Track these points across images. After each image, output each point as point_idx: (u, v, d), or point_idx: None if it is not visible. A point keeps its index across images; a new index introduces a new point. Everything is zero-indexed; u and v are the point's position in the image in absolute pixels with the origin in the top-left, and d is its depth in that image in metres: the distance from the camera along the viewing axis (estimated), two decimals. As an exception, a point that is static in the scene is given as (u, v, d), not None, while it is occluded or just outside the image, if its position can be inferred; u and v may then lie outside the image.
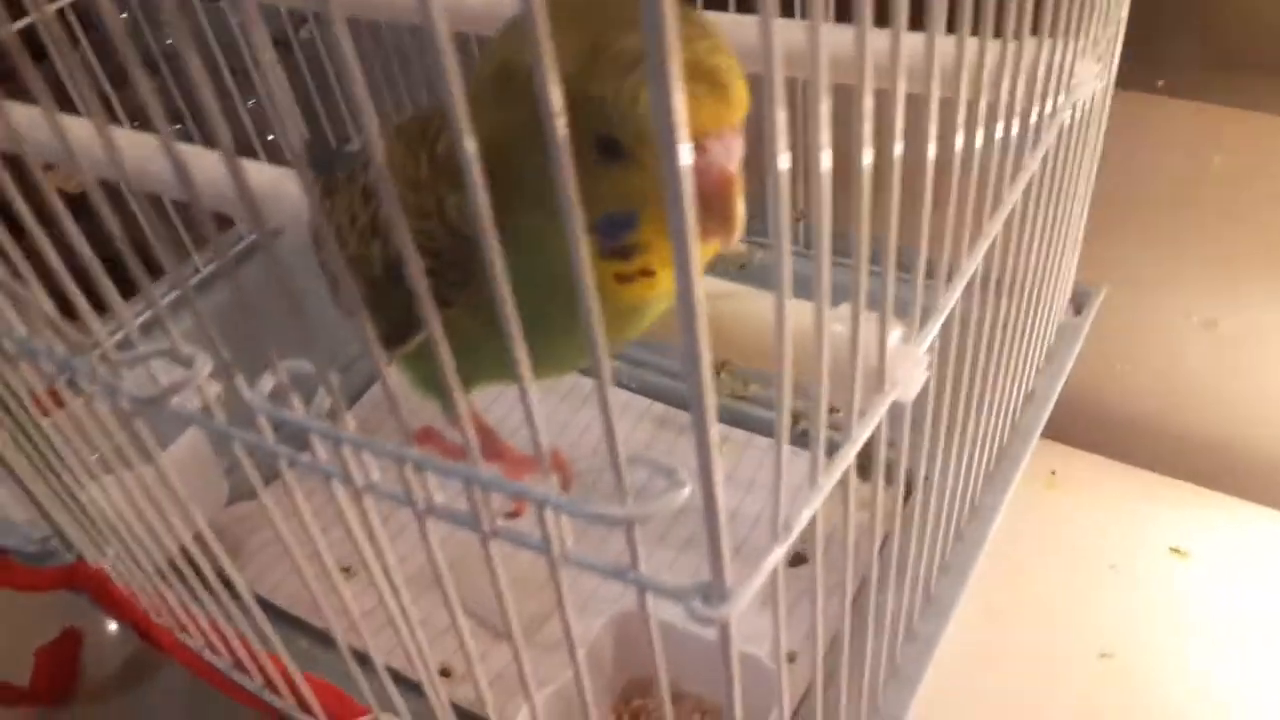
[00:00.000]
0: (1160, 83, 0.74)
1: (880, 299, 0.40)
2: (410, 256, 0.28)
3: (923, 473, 0.52)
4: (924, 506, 0.55)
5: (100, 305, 0.43)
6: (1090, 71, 0.55)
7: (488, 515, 0.37)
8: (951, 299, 0.45)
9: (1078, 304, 0.78)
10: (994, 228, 0.48)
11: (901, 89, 0.33)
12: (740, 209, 0.33)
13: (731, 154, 0.32)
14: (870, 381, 0.40)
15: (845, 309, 0.43)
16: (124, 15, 1.08)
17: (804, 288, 0.40)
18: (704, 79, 0.31)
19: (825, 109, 0.29)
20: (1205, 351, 0.86)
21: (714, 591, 0.33)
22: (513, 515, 0.37)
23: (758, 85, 0.28)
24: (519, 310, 0.29)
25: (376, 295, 0.39)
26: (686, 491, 0.34)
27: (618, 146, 0.32)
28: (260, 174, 0.60)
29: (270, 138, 0.94)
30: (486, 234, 0.28)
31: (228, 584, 0.58)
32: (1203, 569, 0.82)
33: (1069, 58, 0.52)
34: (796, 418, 0.92)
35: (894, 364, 0.41)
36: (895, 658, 0.59)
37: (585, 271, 0.26)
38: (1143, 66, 0.72)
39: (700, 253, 0.35)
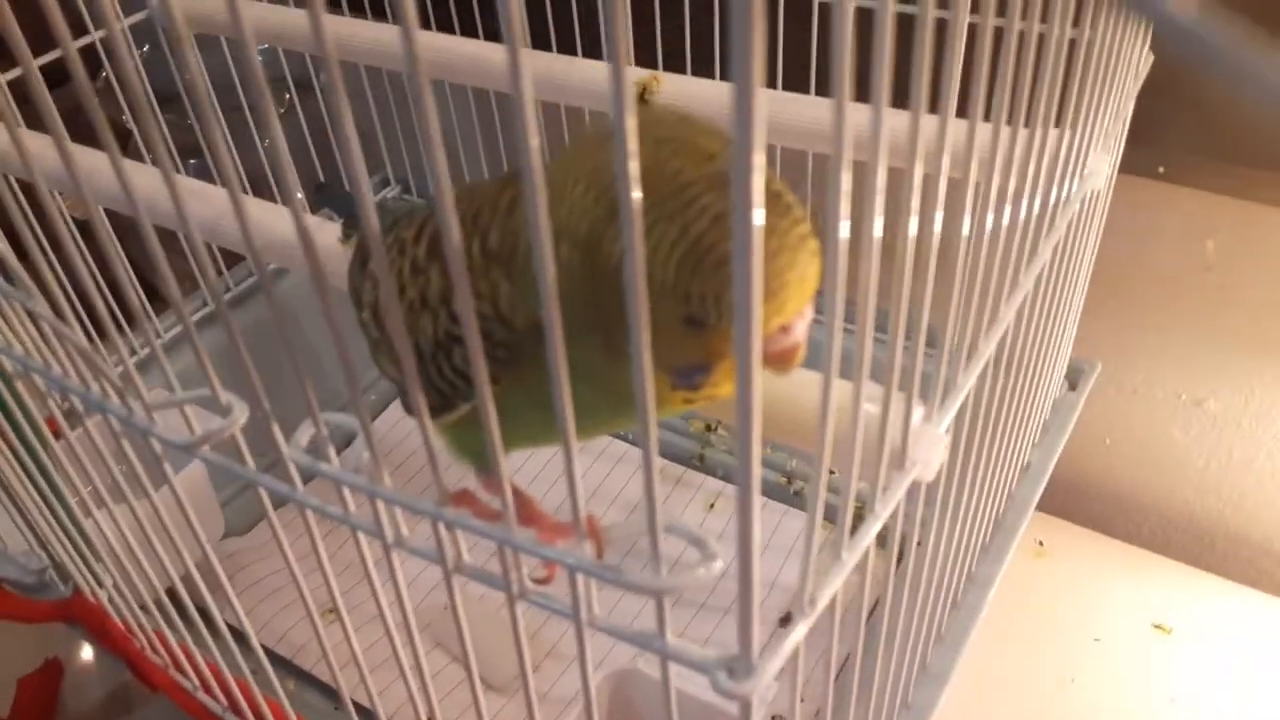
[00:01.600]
0: (1161, 169, 0.76)
1: (902, 378, 0.41)
2: (473, 345, 0.29)
3: (915, 539, 0.53)
4: (919, 576, 0.56)
5: (113, 329, 0.44)
6: (1102, 162, 0.57)
7: (517, 577, 0.37)
8: (970, 379, 0.46)
9: (1072, 379, 0.80)
10: (1010, 310, 0.49)
11: (944, 170, 0.35)
12: (799, 360, 0.37)
13: (804, 329, 0.36)
14: (892, 460, 0.41)
15: (870, 388, 0.44)
16: (145, 48, 1.10)
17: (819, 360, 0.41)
18: (791, 274, 0.34)
19: (880, 183, 0.30)
20: (1193, 430, 0.88)
21: (740, 665, 0.34)
22: (543, 581, 0.38)
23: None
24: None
25: (420, 365, 0.40)
26: (719, 565, 0.34)
27: (705, 324, 0.35)
28: (269, 214, 0.61)
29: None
30: (554, 338, 0.29)
31: (212, 620, 0.58)
32: (1185, 646, 0.83)
33: (1083, 148, 0.54)
34: (789, 477, 0.93)
35: (915, 443, 0.42)
36: (891, 725, 0.59)
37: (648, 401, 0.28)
38: (1145, 152, 0.74)
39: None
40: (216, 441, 0.42)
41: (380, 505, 0.39)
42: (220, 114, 0.81)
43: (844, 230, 0.29)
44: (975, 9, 0.36)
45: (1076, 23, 0.47)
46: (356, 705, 0.56)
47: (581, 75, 0.72)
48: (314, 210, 0.86)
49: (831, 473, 0.47)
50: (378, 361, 0.46)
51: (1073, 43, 0.49)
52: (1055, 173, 0.51)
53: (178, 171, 0.77)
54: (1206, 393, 0.86)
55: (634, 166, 0.23)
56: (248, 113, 0.88)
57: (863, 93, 0.27)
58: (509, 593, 0.37)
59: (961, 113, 0.36)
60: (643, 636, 0.36)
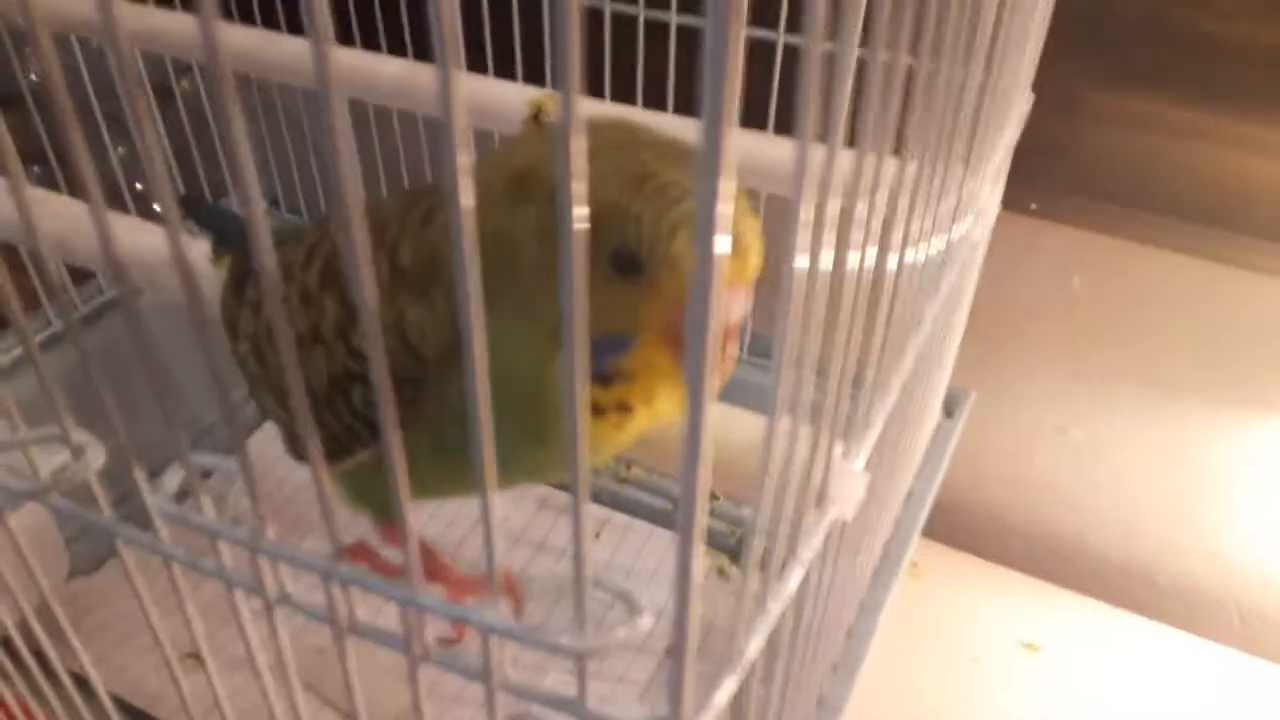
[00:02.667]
0: (1033, 205, 0.78)
1: (820, 414, 0.39)
2: (382, 381, 0.26)
3: (828, 578, 0.52)
4: (824, 613, 0.55)
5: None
6: (995, 194, 0.58)
7: (420, 640, 0.34)
8: (884, 413, 0.45)
9: (949, 407, 0.81)
10: (914, 346, 0.49)
11: (860, 207, 0.34)
12: (733, 355, 0.33)
13: (736, 309, 0.32)
14: (810, 500, 0.39)
15: (786, 425, 0.42)
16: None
17: (739, 395, 0.39)
18: (748, 229, 0.32)
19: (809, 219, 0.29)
20: (1058, 455, 0.91)
21: (668, 729, 0.31)
22: (451, 642, 0.35)
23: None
24: (464, 425, 0.28)
25: (313, 406, 0.36)
26: (646, 623, 0.32)
27: (637, 265, 0.31)
28: (129, 229, 0.56)
29: (139, 187, 0.88)
30: (473, 348, 0.26)
31: (50, 669, 0.52)
32: (1053, 664, 0.85)
33: (982, 182, 0.54)
34: (676, 503, 0.91)
35: (834, 481, 0.40)
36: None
37: (577, 395, 0.25)
38: (1017, 189, 0.76)
39: (671, 400, 0.34)
40: (67, 487, 0.37)
41: (263, 561, 0.35)
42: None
43: (800, 263, 0.27)
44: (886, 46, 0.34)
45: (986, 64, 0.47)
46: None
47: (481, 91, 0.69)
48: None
49: (715, 498, 0.45)
50: (258, 399, 0.41)
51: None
52: (956, 210, 0.51)
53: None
54: (1071, 420, 0.89)
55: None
56: (99, 116, 0.81)
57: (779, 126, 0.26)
58: (411, 656, 0.34)
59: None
60: (561, 700, 0.33)
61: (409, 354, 0.34)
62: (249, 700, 0.46)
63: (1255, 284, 0.77)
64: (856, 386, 0.42)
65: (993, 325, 0.86)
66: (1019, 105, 0.63)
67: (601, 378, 0.33)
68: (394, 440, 0.28)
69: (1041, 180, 0.77)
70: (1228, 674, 0.85)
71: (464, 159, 0.23)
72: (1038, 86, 0.68)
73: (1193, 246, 0.77)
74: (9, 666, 0.55)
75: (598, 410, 0.34)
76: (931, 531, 0.92)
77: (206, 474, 0.38)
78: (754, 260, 0.32)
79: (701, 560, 0.32)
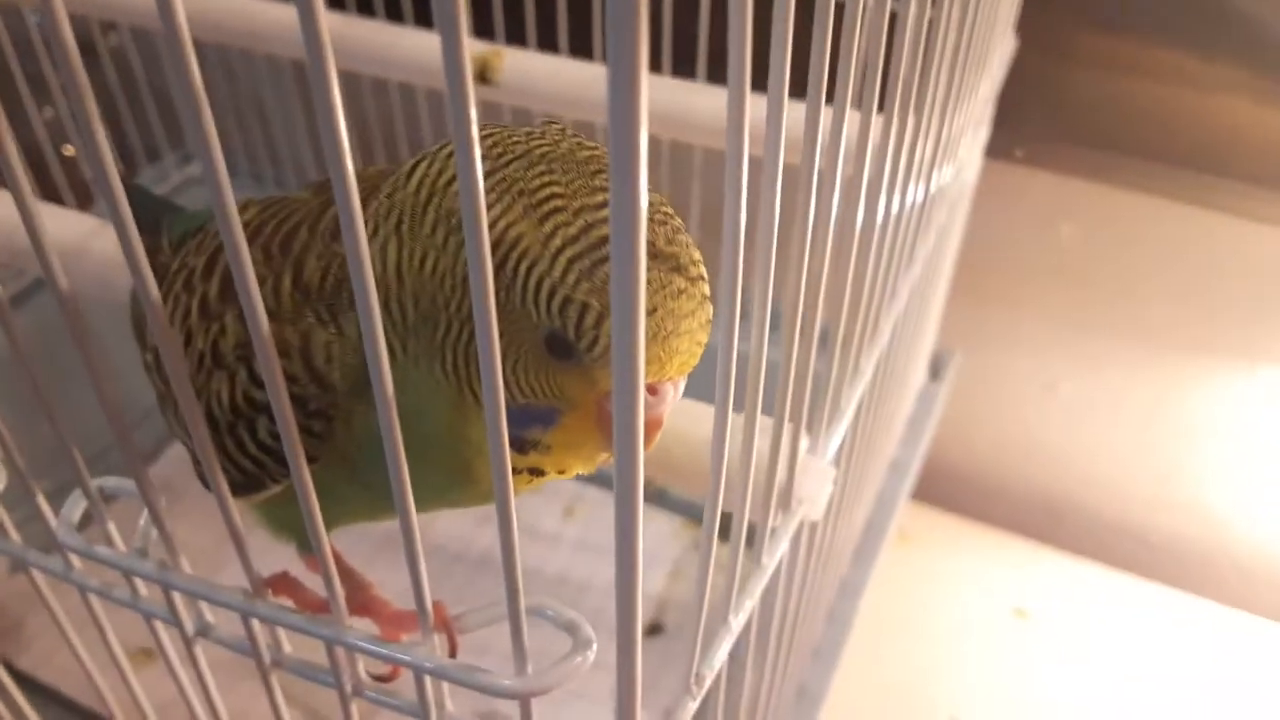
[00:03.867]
0: (1019, 152, 0.75)
1: (786, 408, 0.36)
2: (285, 420, 0.23)
3: (798, 578, 0.50)
4: (798, 607, 0.52)
5: None
6: (974, 150, 0.54)
7: (350, 675, 0.31)
8: (855, 399, 0.42)
9: (934, 368, 0.78)
10: (889, 321, 0.46)
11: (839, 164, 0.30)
12: (654, 443, 0.30)
13: (666, 403, 0.30)
14: (778, 499, 0.37)
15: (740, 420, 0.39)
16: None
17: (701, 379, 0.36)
18: (687, 322, 0.28)
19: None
20: (1046, 413, 0.88)
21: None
22: (385, 679, 0.32)
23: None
24: (382, 464, 0.25)
25: (215, 437, 0.32)
26: (594, 653, 0.29)
27: (571, 352, 0.28)
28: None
29: (68, 151, 0.84)
30: (383, 374, 0.23)
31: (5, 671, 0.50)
32: (1043, 629, 0.83)
33: (961, 130, 0.51)
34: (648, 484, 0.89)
35: (802, 479, 0.37)
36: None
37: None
38: (1002, 135, 0.72)
39: (583, 469, 0.32)
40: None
41: (179, 597, 0.32)
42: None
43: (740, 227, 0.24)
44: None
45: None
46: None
47: (414, 46, 0.64)
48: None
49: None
50: (166, 419, 0.37)
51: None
52: (935, 163, 0.47)
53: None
54: (1060, 376, 0.86)
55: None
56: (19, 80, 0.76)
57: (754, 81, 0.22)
58: (341, 692, 0.31)
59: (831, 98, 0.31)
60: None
61: (316, 381, 0.31)
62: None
63: (1245, 230, 0.73)
64: (819, 369, 0.39)
65: (978, 280, 0.83)
66: (1001, 48, 0.59)
67: (519, 444, 0.30)
68: (304, 479, 0.25)
69: (1027, 127, 0.74)
70: (1223, 631, 0.84)
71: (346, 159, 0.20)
72: (1024, 29, 0.64)
73: (1182, 193, 0.74)
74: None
75: (519, 471, 0.31)
76: (919, 495, 0.90)
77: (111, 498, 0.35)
78: (687, 359, 0.29)
79: (705, 610, 0.30)
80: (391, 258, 0.29)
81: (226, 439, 0.32)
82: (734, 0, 0.20)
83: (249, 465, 0.32)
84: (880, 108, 0.35)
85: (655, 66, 0.69)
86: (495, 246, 0.27)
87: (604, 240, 0.27)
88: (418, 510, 0.26)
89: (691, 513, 0.83)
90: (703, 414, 0.39)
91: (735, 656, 0.36)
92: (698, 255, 0.29)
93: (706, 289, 0.29)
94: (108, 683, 0.70)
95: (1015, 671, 0.80)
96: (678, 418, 0.38)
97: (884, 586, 0.81)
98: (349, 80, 0.82)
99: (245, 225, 0.33)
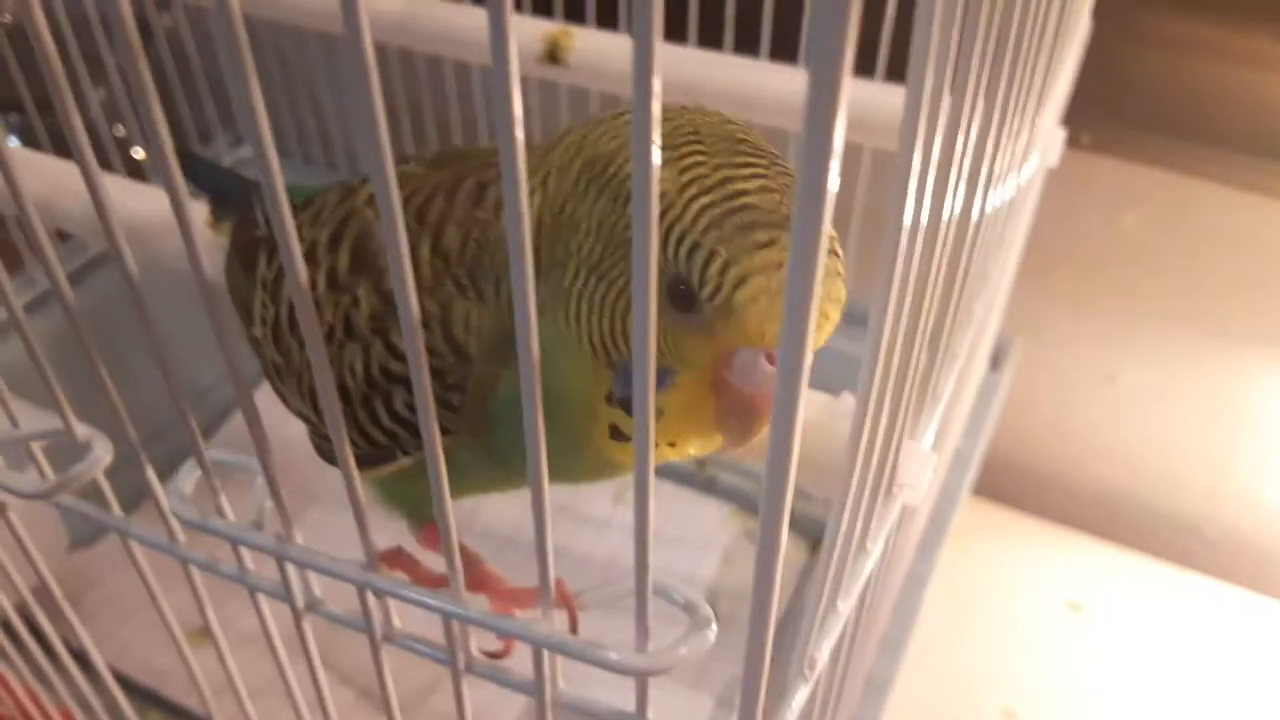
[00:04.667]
0: (1086, 138, 0.74)
1: (893, 393, 0.35)
2: (424, 394, 0.23)
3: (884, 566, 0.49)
4: (878, 598, 0.52)
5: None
6: (1057, 132, 0.53)
7: (465, 652, 0.31)
8: (948, 385, 0.41)
9: (995, 358, 0.77)
10: (980, 306, 0.45)
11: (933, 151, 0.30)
12: (764, 429, 0.29)
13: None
14: (885, 485, 0.36)
15: (850, 401, 0.39)
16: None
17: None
18: (829, 290, 0.28)
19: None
20: (1105, 405, 0.87)
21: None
22: (497, 655, 0.32)
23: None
24: (515, 431, 0.24)
25: (347, 409, 0.32)
26: (712, 635, 0.29)
27: (694, 303, 0.28)
28: (116, 191, 0.51)
29: (120, 133, 0.84)
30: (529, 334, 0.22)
31: (65, 650, 0.50)
32: (1097, 622, 0.82)
33: (1046, 118, 0.50)
34: (701, 463, 0.88)
35: (903, 465, 0.37)
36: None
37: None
38: (1071, 121, 0.71)
39: (697, 446, 0.31)
40: (75, 484, 0.34)
41: (291, 568, 0.32)
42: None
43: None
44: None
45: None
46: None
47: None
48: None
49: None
50: (281, 394, 0.37)
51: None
52: (1025, 151, 0.47)
53: None
54: (1119, 366, 0.85)
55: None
56: (75, 57, 0.76)
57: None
58: (455, 669, 0.31)
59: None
60: (620, 716, 0.30)
61: (455, 352, 0.30)
62: (261, 676, 0.43)
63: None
64: (924, 359, 0.38)
65: (1041, 267, 0.81)
66: (1080, 33, 0.58)
67: (629, 404, 0.30)
68: (438, 451, 0.25)
69: (1095, 112, 0.72)
70: (1278, 626, 0.83)
71: (518, 125, 0.19)
72: (1096, 11, 0.63)
73: (1251, 181, 0.73)
74: (8, 647, 0.53)
75: (619, 435, 0.31)
76: (975, 488, 0.89)
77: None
78: (826, 331, 0.29)
79: (829, 588, 0.29)
80: (535, 206, 0.29)
81: (359, 411, 0.32)
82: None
83: (380, 437, 0.32)
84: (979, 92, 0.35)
85: (679, 35, 0.67)
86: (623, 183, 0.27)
87: (740, 194, 0.27)
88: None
89: (741, 500, 0.83)
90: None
91: (838, 647, 0.36)
92: (833, 232, 0.28)
93: (841, 266, 0.29)
94: (167, 662, 0.70)
95: (1068, 664, 0.80)
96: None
97: (940, 579, 0.80)
98: (406, 57, 0.82)
99: (372, 198, 0.33)
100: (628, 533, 0.83)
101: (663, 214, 0.27)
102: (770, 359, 0.29)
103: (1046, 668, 0.80)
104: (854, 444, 0.27)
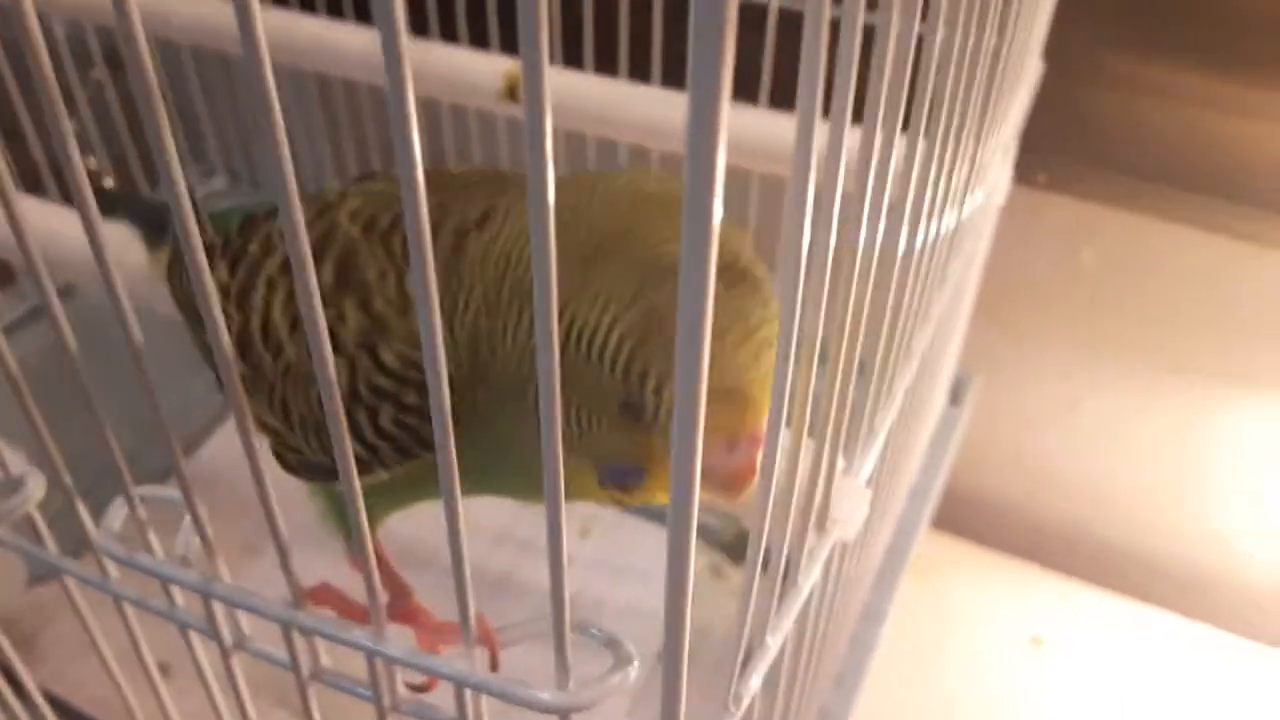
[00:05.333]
0: (1042, 177, 0.75)
1: (820, 426, 0.36)
2: (440, 409, 0.23)
3: (828, 600, 0.49)
4: (823, 632, 0.52)
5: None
6: (1003, 175, 0.54)
7: (391, 691, 0.31)
8: (889, 421, 0.42)
9: (954, 393, 0.78)
10: (922, 342, 0.46)
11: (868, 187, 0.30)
12: (750, 489, 0.31)
13: (756, 453, 0.30)
14: (816, 520, 0.36)
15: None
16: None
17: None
18: (755, 372, 0.30)
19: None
20: (1064, 440, 0.88)
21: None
22: (421, 689, 0.32)
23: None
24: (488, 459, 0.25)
25: (318, 418, 0.33)
26: (634, 672, 0.29)
27: (644, 417, 0.30)
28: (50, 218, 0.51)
29: (92, 165, 0.84)
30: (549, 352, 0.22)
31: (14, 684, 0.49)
32: (1059, 657, 0.83)
33: (992, 156, 0.51)
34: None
35: (838, 500, 0.37)
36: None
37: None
38: (1026, 159, 0.72)
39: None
40: (9, 522, 0.34)
41: (219, 606, 0.32)
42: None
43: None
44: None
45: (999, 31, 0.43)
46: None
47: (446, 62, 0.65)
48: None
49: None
50: (246, 408, 0.37)
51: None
52: (966, 188, 0.47)
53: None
54: (1077, 403, 0.86)
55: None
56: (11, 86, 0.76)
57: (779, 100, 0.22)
58: (379, 705, 0.31)
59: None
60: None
61: (454, 365, 0.31)
62: (210, 710, 0.43)
63: (1267, 258, 0.73)
64: (857, 392, 0.38)
65: (998, 304, 0.82)
66: (1030, 73, 0.60)
67: (621, 488, 0.33)
68: (356, 489, 0.25)
69: (1051, 151, 0.74)
70: (1240, 663, 0.83)
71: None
72: (1050, 52, 0.64)
73: (1205, 220, 0.74)
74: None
75: (620, 502, 0.34)
76: (935, 522, 0.90)
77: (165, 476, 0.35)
78: (758, 413, 0.30)
79: (748, 630, 0.29)
80: (482, 330, 0.31)
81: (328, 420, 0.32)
82: (807, 30, 0.20)
83: (361, 451, 0.32)
84: (909, 129, 0.35)
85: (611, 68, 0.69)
86: (560, 315, 0.28)
87: (654, 305, 0.29)
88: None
89: (706, 535, 0.83)
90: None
91: (771, 681, 0.36)
92: (770, 295, 0.30)
93: (777, 324, 0.29)
94: (124, 697, 0.70)
95: (1032, 701, 0.80)
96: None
97: (901, 614, 0.80)
98: (377, 92, 0.83)
99: (354, 214, 0.34)
100: (594, 567, 0.83)
101: (590, 341, 0.29)
102: (733, 445, 0.30)
103: (1010, 704, 0.80)
104: (766, 476, 0.27)
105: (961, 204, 0.47)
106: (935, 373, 0.60)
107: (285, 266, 0.35)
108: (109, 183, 0.90)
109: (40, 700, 0.50)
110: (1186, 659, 0.83)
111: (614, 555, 0.79)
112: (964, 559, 0.89)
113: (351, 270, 0.34)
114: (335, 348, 0.33)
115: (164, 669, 0.47)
